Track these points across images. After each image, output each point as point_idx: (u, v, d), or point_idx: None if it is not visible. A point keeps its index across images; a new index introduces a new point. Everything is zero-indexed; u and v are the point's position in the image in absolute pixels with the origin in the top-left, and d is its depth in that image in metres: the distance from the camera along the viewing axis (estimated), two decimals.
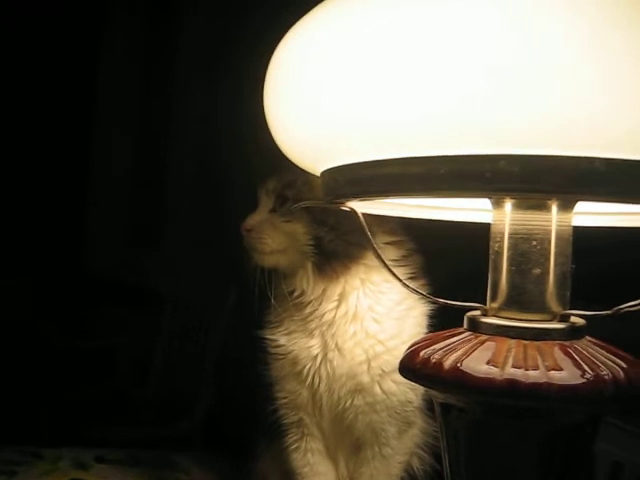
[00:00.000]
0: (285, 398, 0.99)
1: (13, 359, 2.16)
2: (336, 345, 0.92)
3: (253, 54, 0.75)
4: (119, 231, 2.54)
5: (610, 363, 0.55)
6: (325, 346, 0.93)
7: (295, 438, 1.00)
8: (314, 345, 0.94)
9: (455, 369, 0.54)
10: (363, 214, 0.61)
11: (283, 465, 1.01)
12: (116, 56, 2.54)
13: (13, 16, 2.40)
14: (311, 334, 0.94)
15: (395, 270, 0.91)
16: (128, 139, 2.53)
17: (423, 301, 0.95)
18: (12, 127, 2.43)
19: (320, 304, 0.92)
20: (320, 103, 0.53)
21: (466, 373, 0.53)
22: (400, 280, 0.60)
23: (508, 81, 0.45)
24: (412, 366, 0.58)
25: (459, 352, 0.55)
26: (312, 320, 0.93)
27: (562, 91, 0.44)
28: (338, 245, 0.91)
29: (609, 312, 0.56)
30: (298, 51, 0.56)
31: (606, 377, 0.54)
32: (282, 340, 0.97)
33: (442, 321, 0.89)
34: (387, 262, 0.58)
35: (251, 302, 0.98)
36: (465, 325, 0.60)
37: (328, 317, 0.92)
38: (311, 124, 0.55)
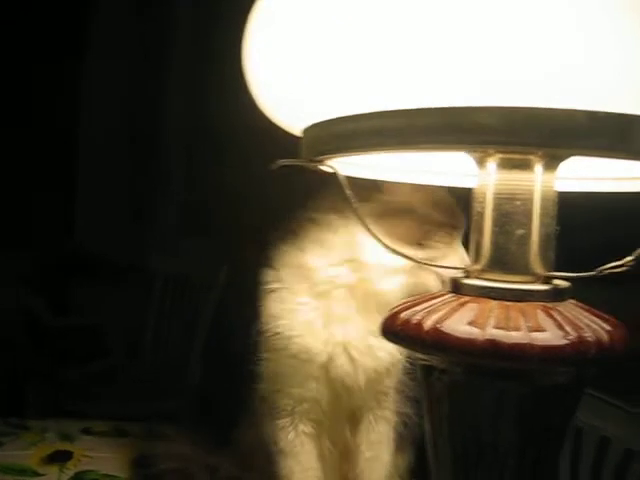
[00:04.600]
0: (280, 392, 0.98)
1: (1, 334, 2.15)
2: (350, 347, 0.92)
3: None
4: (111, 207, 2.52)
5: (593, 325, 0.55)
6: (340, 348, 0.92)
7: (285, 421, 0.99)
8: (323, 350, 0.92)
9: (435, 330, 0.53)
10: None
11: (268, 443, 1.00)
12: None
13: None
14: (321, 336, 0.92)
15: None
16: (124, 112, 2.51)
17: None
18: None
19: None
20: (300, 56, 0.52)
21: (447, 334, 0.53)
22: (383, 243, 0.59)
23: (487, 32, 0.44)
24: (393, 328, 0.57)
25: (440, 313, 0.55)
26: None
27: (542, 42, 0.43)
28: None
29: (592, 273, 0.55)
30: (278, 4, 0.54)
31: (589, 339, 0.53)
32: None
33: None
34: (370, 227, 0.57)
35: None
36: (448, 287, 0.59)
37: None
38: (292, 78, 0.53)
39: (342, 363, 0.92)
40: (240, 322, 1.05)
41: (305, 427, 0.99)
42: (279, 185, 0.91)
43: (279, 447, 0.99)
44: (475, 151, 0.55)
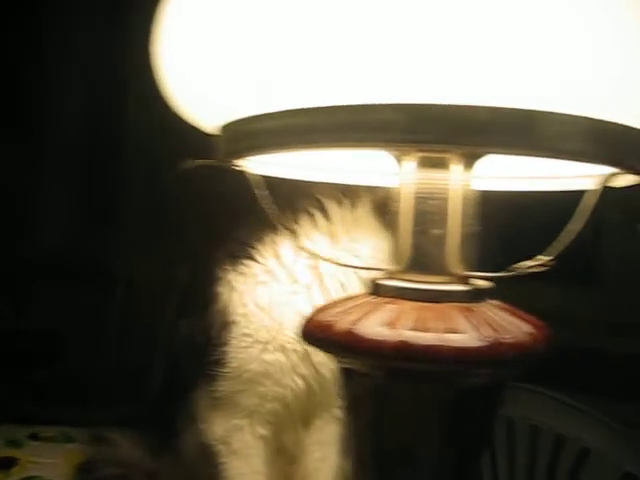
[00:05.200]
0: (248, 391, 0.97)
1: None
2: None
3: None
4: (71, 208, 2.48)
5: (513, 326, 0.54)
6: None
7: (243, 422, 0.98)
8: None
9: (348, 331, 0.52)
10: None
11: (214, 446, 0.99)
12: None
13: None
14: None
15: None
16: (84, 114, 2.47)
17: None
18: None
19: None
20: (213, 52, 0.51)
21: (358, 335, 0.52)
22: (299, 244, 0.58)
23: (390, 27, 0.43)
24: (309, 330, 0.56)
25: (355, 315, 0.54)
26: None
27: (445, 38, 0.43)
28: None
29: (509, 273, 0.54)
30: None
31: (507, 340, 0.52)
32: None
33: None
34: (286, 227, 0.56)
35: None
36: (367, 288, 0.58)
37: None
38: (203, 72, 0.52)
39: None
40: (199, 322, 1.04)
41: (262, 429, 0.98)
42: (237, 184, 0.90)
43: (232, 448, 0.98)
44: (395, 149, 0.54)
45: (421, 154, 0.54)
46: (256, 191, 0.54)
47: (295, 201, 0.92)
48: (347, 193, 0.91)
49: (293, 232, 0.58)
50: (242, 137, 0.52)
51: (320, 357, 0.92)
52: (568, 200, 0.67)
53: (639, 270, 1.70)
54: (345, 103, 0.46)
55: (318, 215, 0.91)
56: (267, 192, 0.56)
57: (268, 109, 0.49)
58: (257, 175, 0.56)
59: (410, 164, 0.55)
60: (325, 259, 0.59)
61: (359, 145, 0.48)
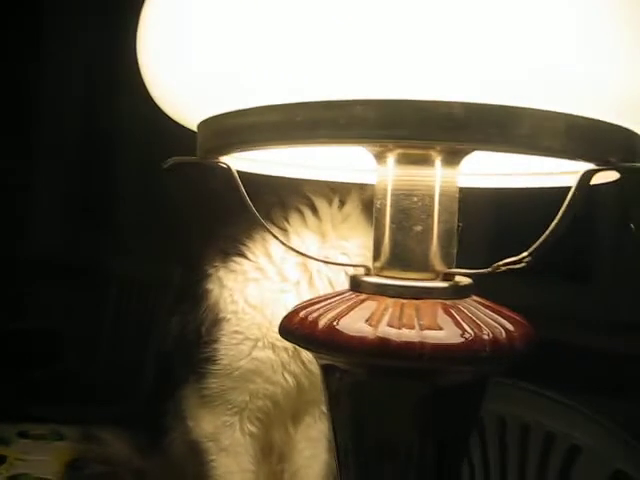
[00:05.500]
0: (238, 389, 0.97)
1: None
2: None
3: None
4: (66, 210, 2.48)
5: (493, 323, 0.54)
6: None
7: (232, 419, 0.98)
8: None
9: (329, 328, 0.52)
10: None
11: (202, 444, 0.99)
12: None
13: None
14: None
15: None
16: (78, 113, 2.47)
17: None
18: None
19: None
20: (189, 47, 0.50)
21: (338, 332, 0.51)
22: (280, 241, 0.58)
23: (366, 23, 0.43)
24: (290, 327, 0.56)
25: (336, 311, 0.54)
26: None
27: (416, 33, 0.42)
28: None
29: (488, 270, 0.54)
30: None
31: (485, 337, 0.52)
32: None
33: None
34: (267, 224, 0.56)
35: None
36: (348, 285, 0.58)
37: None
38: (180, 70, 0.52)
39: None
40: (190, 319, 1.04)
41: (252, 427, 0.98)
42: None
43: (221, 445, 0.98)
44: (371, 146, 0.54)
45: (399, 150, 0.54)
46: (241, 187, 0.54)
47: (285, 199, 0.92)
48: (337, 191, 0.92)
49: (271, 231, 0.57)
50: (216, 134, 0.51)
51: (310, 354, 0.92)
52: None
53: (634, 269, 1.70)
54: (319, 99, 0.45)
55: (307, 213, 0.92)
56: (244, 190, 0.55)
57: (243, 106, 0.49)
58: (234, 172, 0.56)
59: (388, 160, 0.55)
60: (307, 256, 0.59)
61: (333, 141, 0.47)
